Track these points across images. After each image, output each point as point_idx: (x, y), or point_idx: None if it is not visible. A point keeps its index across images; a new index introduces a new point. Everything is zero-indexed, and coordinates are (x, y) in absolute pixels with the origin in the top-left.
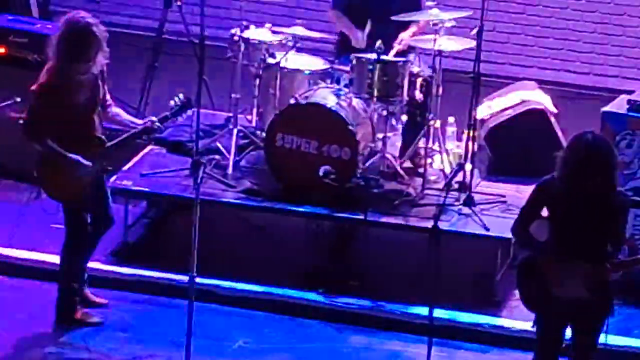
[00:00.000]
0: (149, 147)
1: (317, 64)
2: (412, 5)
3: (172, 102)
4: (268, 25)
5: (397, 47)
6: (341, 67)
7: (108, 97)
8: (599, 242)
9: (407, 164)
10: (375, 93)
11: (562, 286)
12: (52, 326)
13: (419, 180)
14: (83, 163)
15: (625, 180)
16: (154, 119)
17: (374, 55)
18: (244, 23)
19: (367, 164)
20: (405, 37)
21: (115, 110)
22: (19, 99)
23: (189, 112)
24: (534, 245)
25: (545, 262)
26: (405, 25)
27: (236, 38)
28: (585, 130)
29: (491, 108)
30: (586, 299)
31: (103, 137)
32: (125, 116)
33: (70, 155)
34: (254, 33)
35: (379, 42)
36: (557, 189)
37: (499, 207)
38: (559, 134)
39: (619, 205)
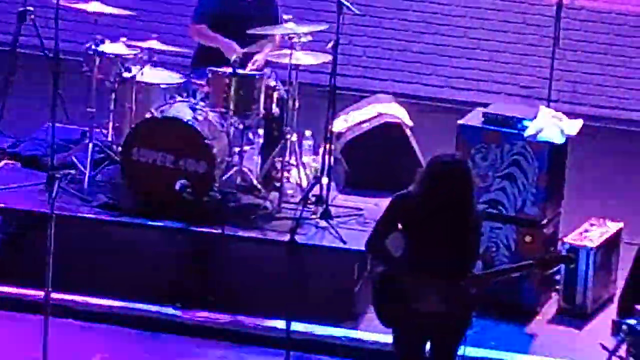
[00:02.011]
0: (2, 162)
1: (173, 77)
2: (270, 20)
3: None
4: (123, 39)
5: (250, 67)
6: (197, 80)
7: None
8: (454, 256)
9: (264, 178)
10: (232, 107)
11: (418, 301)
12: None
13: (276, 194)
14: None
15: (480, 193)
16: None
17: (229, 69)
18: (99, 37)
19: (223, 178)
20: (259, 58)
21: None
22: None
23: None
24: (389, 260)
25: (400, 277)
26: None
27: (91, 52)
28: (445, 152)
29: (347, 121)
30: (443, 314)
31: None
32: None
33: None
34: (109, 47)
35: (234, 56)
36: (413, 203)
37: (356, 220)
38: (415, 147)
39: (473, 220)
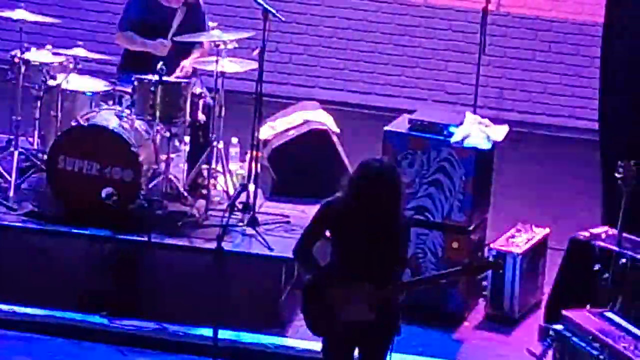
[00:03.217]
0: None
1: (98, 85)
2: (196, 27)
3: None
4: (49, 47)
5: (178, 73)
6: (123, 88)
7: None
8: (382, 263)
9: (191, 186)
10: (158, 114)
11: (345, 308)
12: None
13: (203, 202)
14: None
15: (407, 199)
16: None
17: (155, 77)
18: (25, 45)
19: (150, 186)
20: (186, 64)
21: None
22: None
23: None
24: (317, 267)
25: (328, 284)
26: (189, 48)
27: (16, 60)
28: (373, 157)
29: (274, 129)
30: (371, 321)
31: None
32: None
33: None
34: (35, 55)
35: (160, 64)
36: (341, 210)
37: (283, 228)
38: (342, 153)
39: (401, 226)
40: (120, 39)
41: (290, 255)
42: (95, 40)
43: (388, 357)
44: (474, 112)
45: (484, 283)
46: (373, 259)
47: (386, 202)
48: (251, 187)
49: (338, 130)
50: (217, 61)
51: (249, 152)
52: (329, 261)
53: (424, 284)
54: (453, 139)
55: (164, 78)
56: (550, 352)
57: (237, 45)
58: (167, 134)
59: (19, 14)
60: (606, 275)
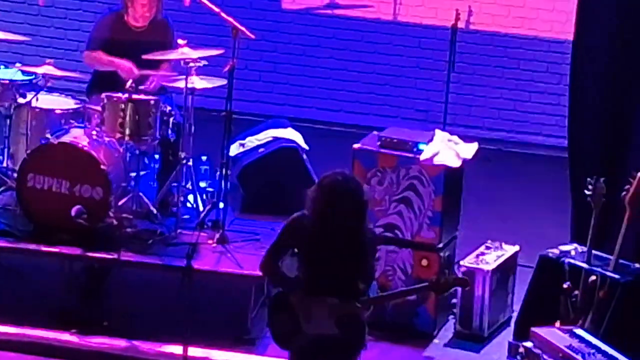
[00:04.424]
0: None
1: (68, 103)
2: (165, 45)
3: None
4: (18, 64)
5: (147, 85)
6: (93, 106)
7: None
8: (349, 278)
9: (161, 203)
10: (127, 132)
11: (311, 322)
12: None
13: (172, 220)
14: None
15: (376, 217)
16: None
17: (125, 95)
18: None
19: (120, 204)
20: (155, 78)
21: None
22: None
23: None
24: (284, 281)
25: (294, 298)
26: (158, 64)
27: None
28: (335, 170)
29: (243, 146)
30: (336, 336)
31: None
32: None
33: None
34: (4, 73)
35: (129, 82)
36: (307, 225)
37: (252, 245)
38: (311, 171)
39: (368, 242)
40: (88, 58)
41: (259, 272)
42: (65, 58)
43: None
44: (444, 130)
45: (454, 300)
46: (338, 274)
47: (348, 216)
48: (221, 204)
49: (307, 148)
50: (186, 78)
51: (218, 169)
52: (295, 275)
53: (391, 300)
54: (422, 157)
55: (134, 96)
56: None
57: (206, 63)
58: (137, 152)
59: None
60: (576, 292)
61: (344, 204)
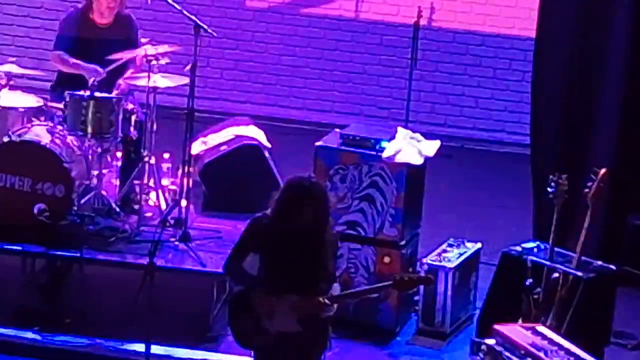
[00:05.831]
0: None
1: (30, 101)
2: (129, 43)
3: None
4: None
5: (115, 92)
6: (55, 104)
7: None
8: (311, 276)
9: (123, 201)
10: (89, 130)
11: (272, 320)
12: None
13: (135, 217)
14: None
15: (339, 214)
16: None
17: (87, 92)
18: None
19: (82, 202)
20: (122, 82)
21: None
22: None
23: None
24: (246, 280)
25: (255, 296)
26: (124, 65)
27: None
28: (302, 175)
29: (206, 144)
30: (298, 334)
31: None
32: None
33: None
34: None
35: (91, 80)
36: (269, 225)
37: (215, 243)
38: (274, 169)
39: (329, 240)
40: (55, 59)
41: (221, 270)
42: (27, 57)
43: None
44: (406, 127)
45: (416, 297)
46: (300, 272)
47: (313, 218)
48: (183, 202)
49: (270, 146)
50: (149, 76)
51: (180, 167)
52: (257, 274)
53: (354, 298)
54: (385, 154)
55: (96, 94)
56: None
57: (169, 61)
58: (99, 150)
59: None
60: (538, 289)
61: (308, 209)
